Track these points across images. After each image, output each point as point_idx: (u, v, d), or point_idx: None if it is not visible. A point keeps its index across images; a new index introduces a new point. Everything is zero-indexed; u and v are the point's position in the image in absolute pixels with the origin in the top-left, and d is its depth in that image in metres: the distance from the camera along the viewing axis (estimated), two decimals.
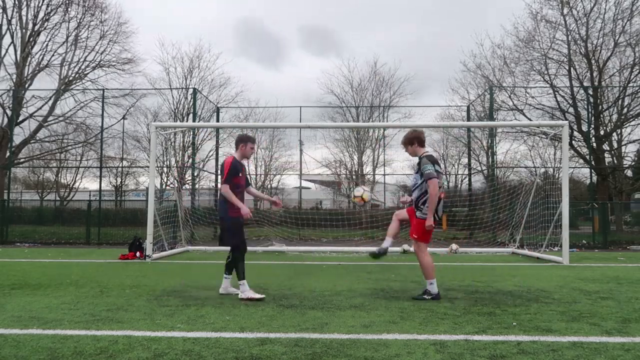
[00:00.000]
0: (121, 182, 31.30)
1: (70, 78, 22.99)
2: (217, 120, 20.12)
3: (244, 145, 5.70)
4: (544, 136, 19.47)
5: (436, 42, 60.33)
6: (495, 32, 54.11)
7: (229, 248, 5.68)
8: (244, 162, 5.85)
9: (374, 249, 5.80)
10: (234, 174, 5.51)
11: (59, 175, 32.27)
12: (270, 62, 72.08)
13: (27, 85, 21.87)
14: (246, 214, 5.47)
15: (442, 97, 61.78)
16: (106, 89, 20.51)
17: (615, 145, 21.37)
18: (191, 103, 20.38)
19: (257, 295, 5.26)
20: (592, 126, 18.69)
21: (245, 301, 5.14)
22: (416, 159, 5.60)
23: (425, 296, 5.29)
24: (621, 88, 18.91)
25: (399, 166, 39.49)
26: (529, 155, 23.55)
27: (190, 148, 21.13)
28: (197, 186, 17.90)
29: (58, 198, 32.09)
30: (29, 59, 22.19)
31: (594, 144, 18.88)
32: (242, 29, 72.86)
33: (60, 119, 21.80)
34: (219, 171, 5.70)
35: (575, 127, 18.92)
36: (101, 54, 23.32)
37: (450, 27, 61.96)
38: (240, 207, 5.45)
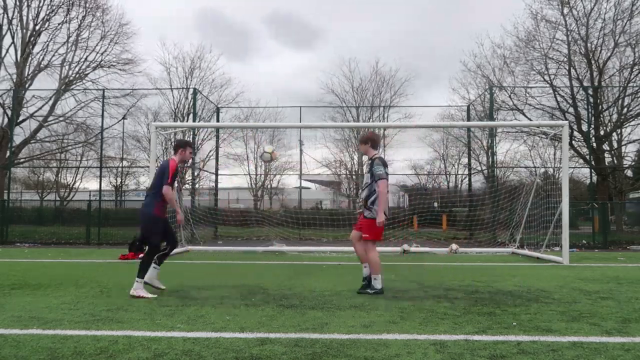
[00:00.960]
0: (121, 182, 31.34)
1: (71, 78, 22.97)
2: (217, 121, 20.13)
3: (183, 150, 5.96)
4: (544, 136, 19.47)
5: (436, 40, 60.31)
6: (495, 32, 54.14)
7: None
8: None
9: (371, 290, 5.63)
10: (176, 176, 5.75)
11: (59, 175, 32.30)
12: (239, 56, 69.01)
13: (27, 85, 21.85)
14: (180, 220, 5.99)
15: (439, 94, 61.57)
16: (106, 89, 20.53)
17: (615, 145, 21.38)
18: (191, 103, 20.39)
19: (149, 295, 5.40)
20: (592, 126, 18.68)
21: (135, 298, 5.29)
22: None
23: (369, 290, 5.58)
24: (621, 88, 18.91)
25: (399, 166, 39.52)
26: (529, 155, 23.61)
27: None
28: (197, 186, 17.90)
29: (58, 198, 32.11)
30: (30, 59, 22.18)
31: (594, 144, 18.87)
32: (203, 20, 69.04)
33: (61, 119, 21.79)
34: (158, 171, 5.77)
35: (575, 127, 18.92)
36: (102, 54, 23.34)
37: (450, 27, 61.94)
38: (178, 212, 5.98)
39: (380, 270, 5.66)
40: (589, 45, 19.08)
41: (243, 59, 67.83)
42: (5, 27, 21.50)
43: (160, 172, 5.69)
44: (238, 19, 73.61)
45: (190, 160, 18.09)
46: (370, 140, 5.96)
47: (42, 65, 22.31)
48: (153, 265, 5.59)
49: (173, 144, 6.33)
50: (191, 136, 19.47)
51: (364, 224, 5.70)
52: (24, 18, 21.78)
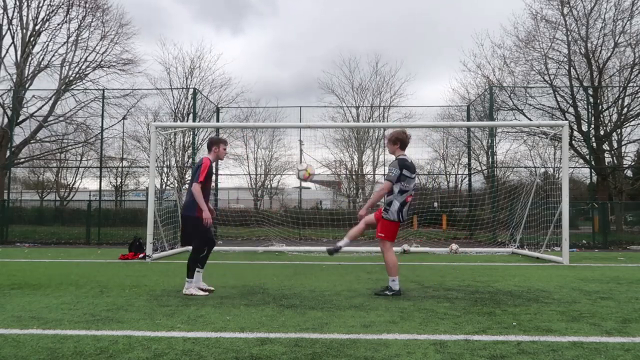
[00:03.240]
0: (121, 182, 31.31)
1: (71, 78, 22.97)
2: (217, 121, 20.12)
3: (217, 147, 5.84)
4: (544, 136, 19.46)
5: (435, 39, 60.28)
6: (495, 32, 54.10)
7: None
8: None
9: (330, 247, 5.95)
10: (209, 175, 5.65)
11: (59, 175, 32.30)
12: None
13: (27, 85, 21.85)
14: (207, 219, 5.52)
15: (440, 94, 61.34)
16: (106, 89, 20.52)
17: (615, 145, 21.37)
18: (191, 103, 20.38)
19: (201, 292, 5.46)
20: (592, 126, 18.68)
21: (187, 296, 5.38)
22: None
23: (387, 292, 5.54)
24: (621, 88, 18.91)
25: None
26: (529, 155, 23.57)
27: (190, 148, 21.14)
28: None
29: (58, 198, 32.11)
30: (30, 59, 22.17)
31: (594, 144, 18.87)
32: None
33: (61, 119, 21.78)
34: (192, 171, 5.75)
35: (575, 127, 18.91)
36: (102, 54, 23.35)
37: (450, 25, 61.89)
38: (204, 209, 5.53)
39: (398, 272, 5.60)
40: (589, 45, 19.07)
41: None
42: (5, 27, 21.51)
43: (194, 172, 5.67)
44: None
45: (190, 160, 18.06)
46: (400, 141, 5.70)
47: (42, 65, 22.31)
48: (197, 269, 5.59)
49: (207, 142, 6.15)
50: (191, 136, 19.46)
51: (381, 224, 5.61)
52: (24, 18, 21.79)
